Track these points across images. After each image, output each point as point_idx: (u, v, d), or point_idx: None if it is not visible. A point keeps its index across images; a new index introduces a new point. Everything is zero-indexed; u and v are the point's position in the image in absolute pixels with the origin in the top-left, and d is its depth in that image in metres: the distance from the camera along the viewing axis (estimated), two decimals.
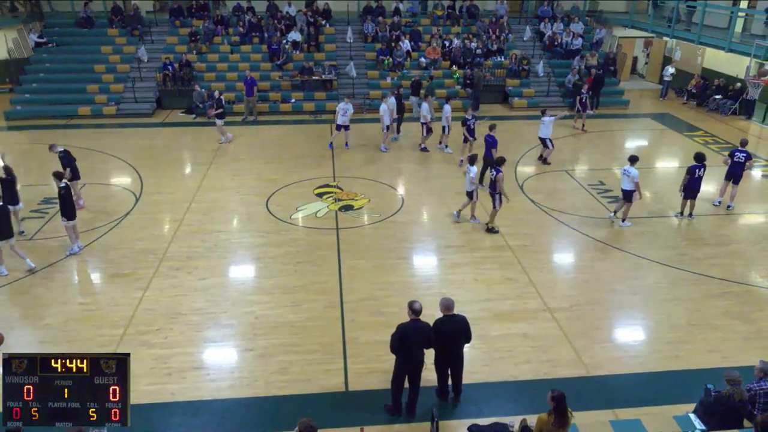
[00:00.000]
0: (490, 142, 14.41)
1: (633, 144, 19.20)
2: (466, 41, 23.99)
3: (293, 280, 10.77)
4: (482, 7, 27.02)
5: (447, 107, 17.05)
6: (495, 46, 24.14)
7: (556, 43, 24.72)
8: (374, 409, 7.75)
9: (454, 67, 23.46)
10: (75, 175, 13.48)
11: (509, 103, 22.93)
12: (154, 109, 21.72)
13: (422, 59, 23.47)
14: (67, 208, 11.27)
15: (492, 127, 14.63)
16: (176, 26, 24.59)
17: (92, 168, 15.82)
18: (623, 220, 12.96)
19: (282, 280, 10.80)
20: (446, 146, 17.66)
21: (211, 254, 11.68)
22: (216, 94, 18.80)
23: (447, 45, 24.07)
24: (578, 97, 19.91)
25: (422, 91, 20.35)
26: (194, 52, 23.23)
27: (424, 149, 17.75)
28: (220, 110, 18.07)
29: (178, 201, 14.07)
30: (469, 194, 12.80)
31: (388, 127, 17.65)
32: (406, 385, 7.53)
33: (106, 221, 13.03)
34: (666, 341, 9.19)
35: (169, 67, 21.92)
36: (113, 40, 23.88)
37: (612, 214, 13.11)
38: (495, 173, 12.21)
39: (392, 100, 17.91)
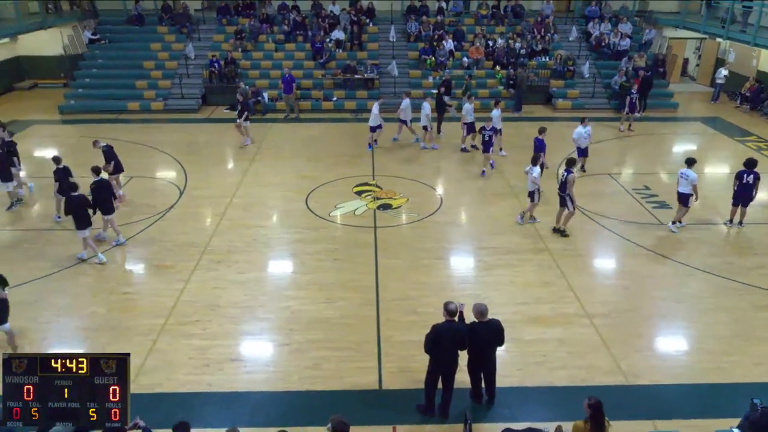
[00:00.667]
0: (539, 146, 14.24)
1: (681, 148, 18.62)
2: (510, 41, 23.71)
3: (330, 277, 10.85)
4: (528, 6, 26.64)
5: (496, 111, 16.44)
6: (540, 46, 23.77)
7: (603, 43, 24.17)
8: (407, 409, 7.75)
9: (497, 67, 23.21)
10: (118, 169, 13.80)
11: (552, 105, 22.55)
12: (199, 105, 22.21)
13: (465, 59, 23.28)
14: (100, 203, 11.43)
15: (542, 131, 14.46)
16: (223, 24, 25.08)
17: (139, 162, 16.29)
18: (673, 223, 12.60)
19: (319, 276, 10.90)
20: (500, 149, 17.14)
21: (250, 249, 11.88)
22: (240, 98, 18.56)
23: (491, 45, 23.83)
24: (628, 98, 19.37)
25: (456, 91, 20.13)
26: (240, 49, 23.66)
27: (465, 150, 17.61)
28: (246, 113, 18.00)
29: (220, 196, 14.34)
30: (531, 195, 12.67)
31: (426, 127, 17.56)
32: (440, 385, 7.51)
33: (151, 214, 13.38)
34: (709, 352, 8.91)
35: (215, 64, 22.36)
36: (162, 38, 24.53)
37: (671, 224, 12.72)
38: (566, 174, 11.99)
39: (407, 101, 17.50)
